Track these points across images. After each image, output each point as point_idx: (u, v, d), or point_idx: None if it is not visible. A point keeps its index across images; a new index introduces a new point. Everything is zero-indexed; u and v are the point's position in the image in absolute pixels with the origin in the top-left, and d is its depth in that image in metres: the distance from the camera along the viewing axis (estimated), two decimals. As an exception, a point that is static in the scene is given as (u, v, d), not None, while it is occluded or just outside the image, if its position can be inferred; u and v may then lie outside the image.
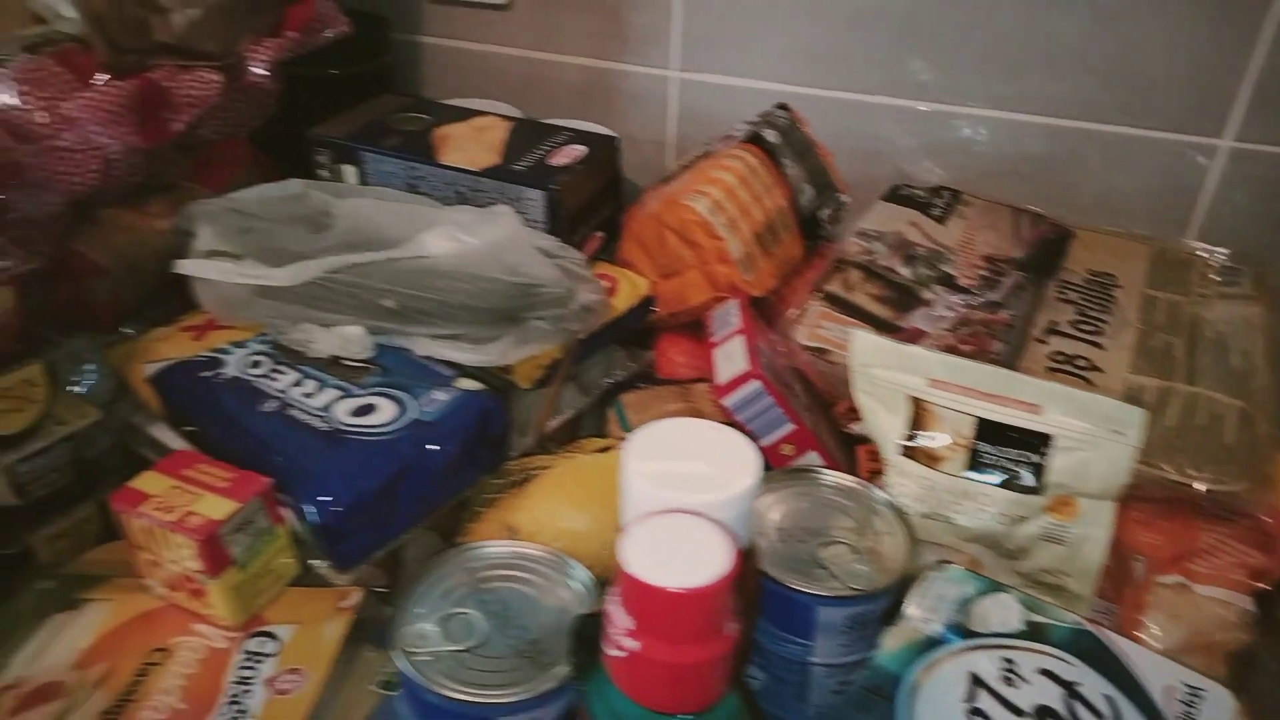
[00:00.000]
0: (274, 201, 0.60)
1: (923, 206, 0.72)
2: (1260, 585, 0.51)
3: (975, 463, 0.47)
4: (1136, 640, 0.43)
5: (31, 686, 0.45)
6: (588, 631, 0.35)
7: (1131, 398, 0.54)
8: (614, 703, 0.32)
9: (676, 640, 0.29)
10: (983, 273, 0.66)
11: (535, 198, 0.61)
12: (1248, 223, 0.72)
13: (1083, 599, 0.47)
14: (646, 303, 0.67)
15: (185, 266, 0.56)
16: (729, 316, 0.60)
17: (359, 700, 0.46)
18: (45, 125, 0.59)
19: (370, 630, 0.48)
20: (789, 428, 0.55)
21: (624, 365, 0.68)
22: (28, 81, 0.60)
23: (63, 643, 0.47)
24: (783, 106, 0.67)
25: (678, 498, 0.35)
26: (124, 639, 0.48)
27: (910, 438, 0.49)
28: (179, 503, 0.46)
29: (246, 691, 0.44)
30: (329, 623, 0.48)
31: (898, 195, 0.73)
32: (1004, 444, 0.46)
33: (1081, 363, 0.57)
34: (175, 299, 0.69)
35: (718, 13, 0.76)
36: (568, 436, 0.63)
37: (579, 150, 0.65)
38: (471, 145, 0.65)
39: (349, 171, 0.67)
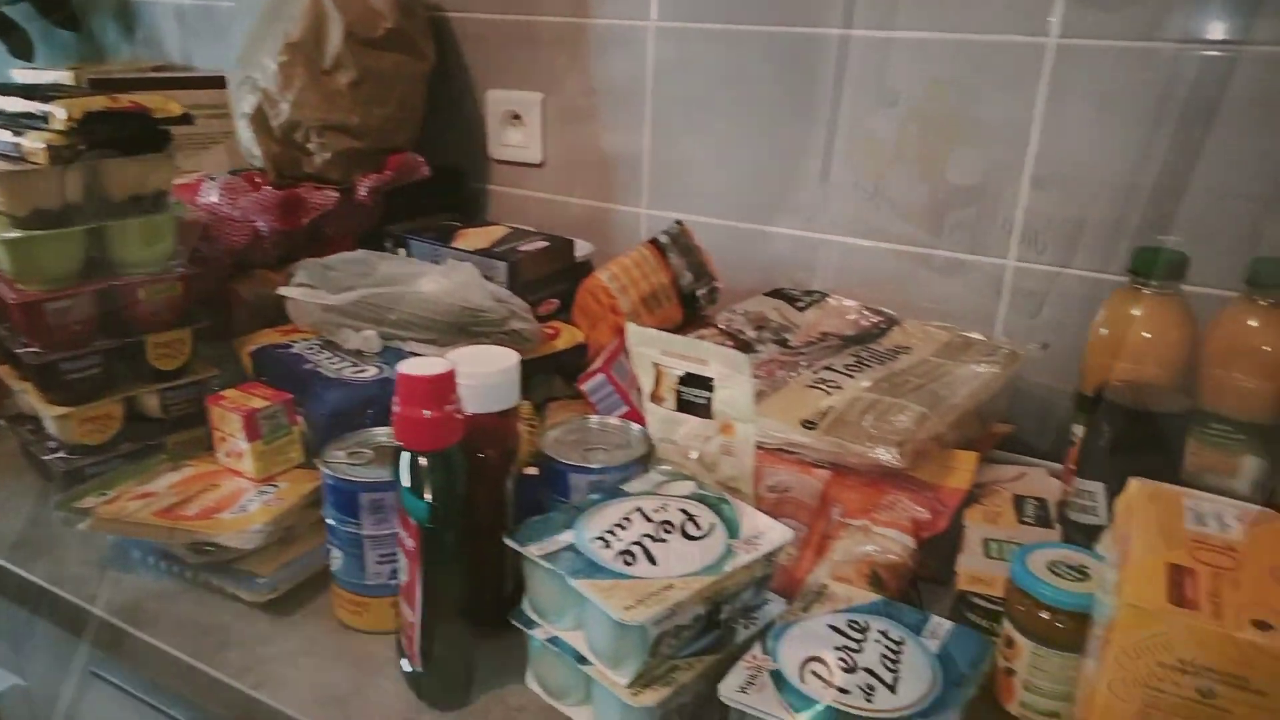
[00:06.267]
0: (347, 261, 0.97)
1: (791, 300, 1.00)
2: (923, 534, 0.72)
3: (681, 401, 0.72)
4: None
5: (145, 491, 0.79)
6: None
7: (850, 402, 0.78)
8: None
9: (417, 404, 0.58)
10: (811, 341, 0.92)
11: (501, 266, 0.95)
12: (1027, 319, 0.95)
13: (748, 495, 0.70)
14: (581, 347, 0.98)
15: (283, 290, 0.93)
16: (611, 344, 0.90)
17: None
18: (229, 211, 1.00)
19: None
20: (624, 409, 0.83)
21: (560, 389, 0.98)
22: (224, 188, 1.02)
23: (168, 478, 0.81)
24: (677, 222, 0.99)
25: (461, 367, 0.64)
26: (200, 479, 0.81)
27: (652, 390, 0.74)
28: (242, 402, 0.81)
29: (251, 499, 0.76)
30: (308, 484, 0.79)
31: (777, 292, 1.02)
32: (693, 385, 0.71)
33: (831, 383, 0.82)
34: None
35: (672, 171, 1.10)
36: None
37: (542, 244, 0.99)
38: (476, 238, 1.01)
39: (402, 251, 1.04)
